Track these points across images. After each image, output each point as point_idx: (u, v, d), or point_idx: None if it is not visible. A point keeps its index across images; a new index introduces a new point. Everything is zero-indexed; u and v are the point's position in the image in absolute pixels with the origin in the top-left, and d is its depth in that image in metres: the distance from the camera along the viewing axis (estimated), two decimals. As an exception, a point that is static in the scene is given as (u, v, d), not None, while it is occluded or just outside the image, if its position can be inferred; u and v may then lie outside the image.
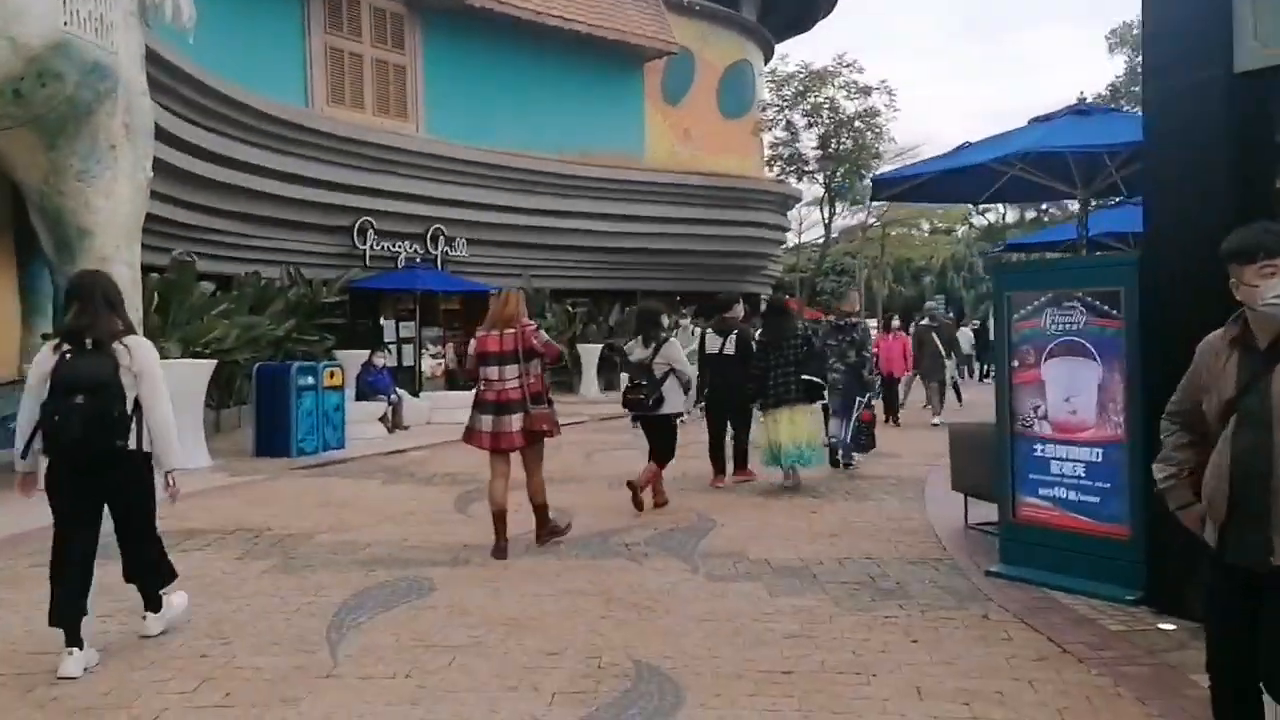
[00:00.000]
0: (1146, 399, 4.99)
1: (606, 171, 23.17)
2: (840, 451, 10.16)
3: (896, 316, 13.40)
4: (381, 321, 18.90)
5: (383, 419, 14.52)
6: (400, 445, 13.12)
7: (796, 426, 8.85)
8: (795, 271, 33.73)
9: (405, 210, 19.59)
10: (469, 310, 22.00)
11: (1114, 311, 5.24)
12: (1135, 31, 12.96)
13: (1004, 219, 50.96)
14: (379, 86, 20.03)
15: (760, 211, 26.00)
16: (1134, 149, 5.78)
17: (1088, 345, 5.38)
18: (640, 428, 8.44)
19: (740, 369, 9.20)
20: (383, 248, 19.21)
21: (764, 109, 22.51)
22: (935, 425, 13.66)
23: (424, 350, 18.15)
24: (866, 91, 21.56)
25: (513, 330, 6.56)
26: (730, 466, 9.56)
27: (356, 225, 18.72)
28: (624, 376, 9.24)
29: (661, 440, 8.26)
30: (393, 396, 14.96)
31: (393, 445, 13.16)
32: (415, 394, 16.63)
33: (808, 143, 22.21)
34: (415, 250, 19.81)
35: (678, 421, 8.43)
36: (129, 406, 4.43)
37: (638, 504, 8.02)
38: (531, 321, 6.89)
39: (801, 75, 21.75)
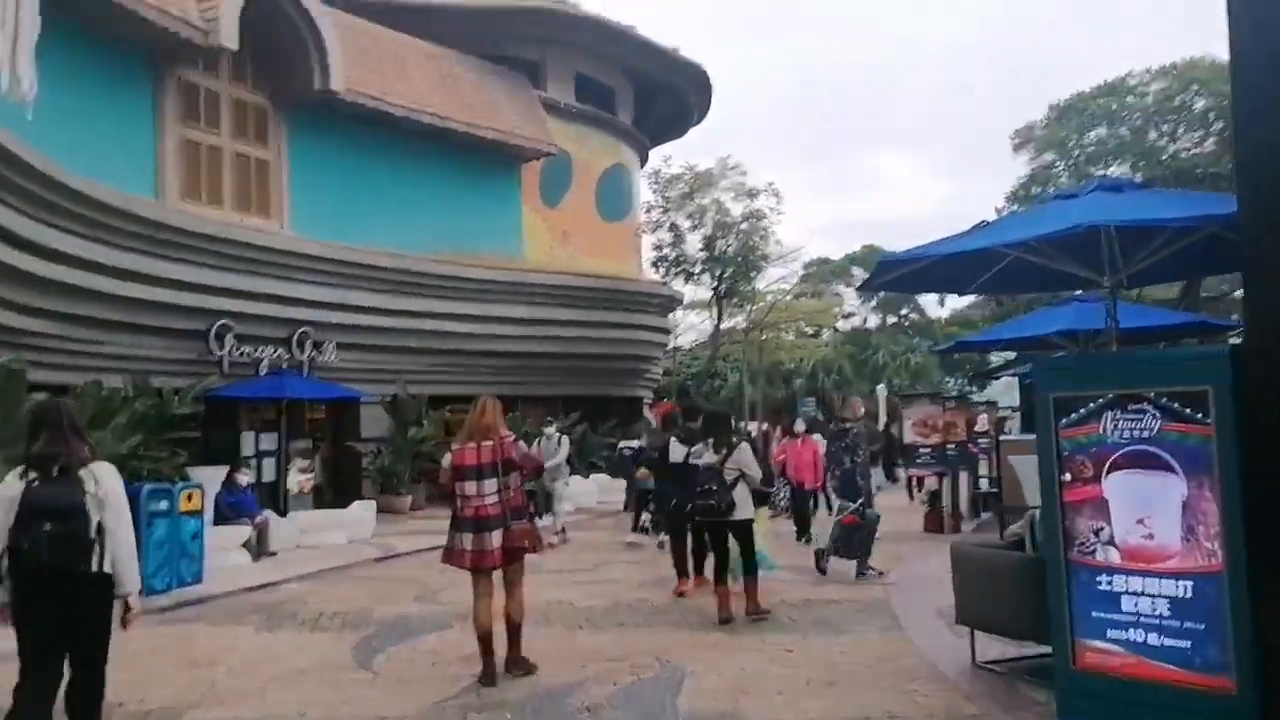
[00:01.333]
0: (1250, 520, 4.16)
1: (484, 272, 22.10)
2: (823, 557, 10.08)
3: (801, 419, 12.33)
4: (241, 434, 17.02)
5: (246, 544, 12.71)
6: (270, 577, 11.35)
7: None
8: (670, 375, 33.16)
9: (268, 312, 17.93)
10: (338, 419, 20.30)
11: (1199, 415, 4.44)
12: (1039, 131, 12.95)
13: (865, 322, 52.33)
14: (239, 182, 18.53)
15: (642, 314, 25.33)
16: (1201, 221, 5.10)
17: (1164, 455, 4.56)
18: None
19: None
20: (243, 353, 17.43)
21: (648, 210, 22.04)
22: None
23: (290, 464, 16.34)
24: (752, 194, 21.39)
25: (491, 442, 6.26)
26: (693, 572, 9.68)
27: (214, 329, 16.91)
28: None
29: (744, 545, 8.08)
30: (259, 519, 13.18)
31: (261, 577, 11.37)
32: (282, 514, 14.81)
33: (693, 244, 21.74)
34: (280, 355, 18.11)
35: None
36: (93, 531, 4.49)
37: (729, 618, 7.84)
38: (510, 433, 6.53)
39: (687, 177, 21.39)
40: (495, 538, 6.18)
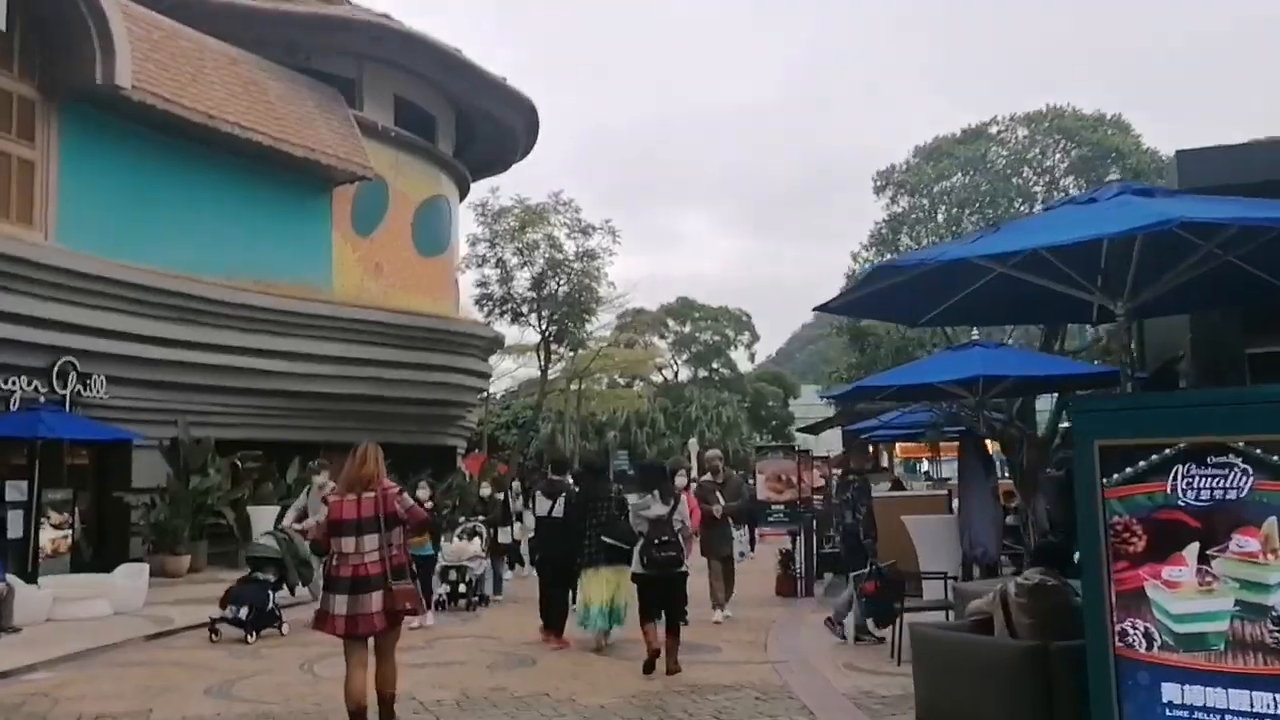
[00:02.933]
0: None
1: (286, 303, 19.87)
2: (842, 627, 9.16)
3: (683, 471, 11.40)
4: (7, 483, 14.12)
5: (-22, 620, 10.16)
6: (10, 663, 8.91)
7: (608, 586, 8.78)
8: (480, 424, 31.38)
9: (23, 337, 15.17)
10: (105, 464, 17.46)
11: (1308, 471, 3.48)
12: (899, 175, 12.47)
13: (677, 375, 52.19)
14: (-6, 182, 15.76)
15: (462, 356, 23.61)
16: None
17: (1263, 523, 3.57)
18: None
19: (567, 531, 9.31)
20: (-13, 383, 14.65)
21: (473, 243, 20.54)
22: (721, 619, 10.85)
23: (43, 519, 13.58)
24: (587, 232, 20.25)
25: (372, 494, 5.80)
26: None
27: (-50, 353, 14.11)
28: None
29: (680, 598, 8.15)
30: (-3, 587, 10.63)
31: (-4, 663, 8.92)
32: (31, 580, 12.15)
33: (521, 283, 20.32)
34: (35, 388, 15.33)
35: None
36: None
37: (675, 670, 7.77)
38: (393, 483, 6.07)
39: (518, 210, 20.01)
40: (375, 600, 5.69)
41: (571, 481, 10.30)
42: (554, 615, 9.53)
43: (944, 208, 12.01)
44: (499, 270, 20.32)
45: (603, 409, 38.65)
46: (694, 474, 23.64)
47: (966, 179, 11.89)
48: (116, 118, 17.41)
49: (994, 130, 12.05)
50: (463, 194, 27.55)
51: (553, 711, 6.71)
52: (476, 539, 12.97)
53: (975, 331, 9.45)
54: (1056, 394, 10.32)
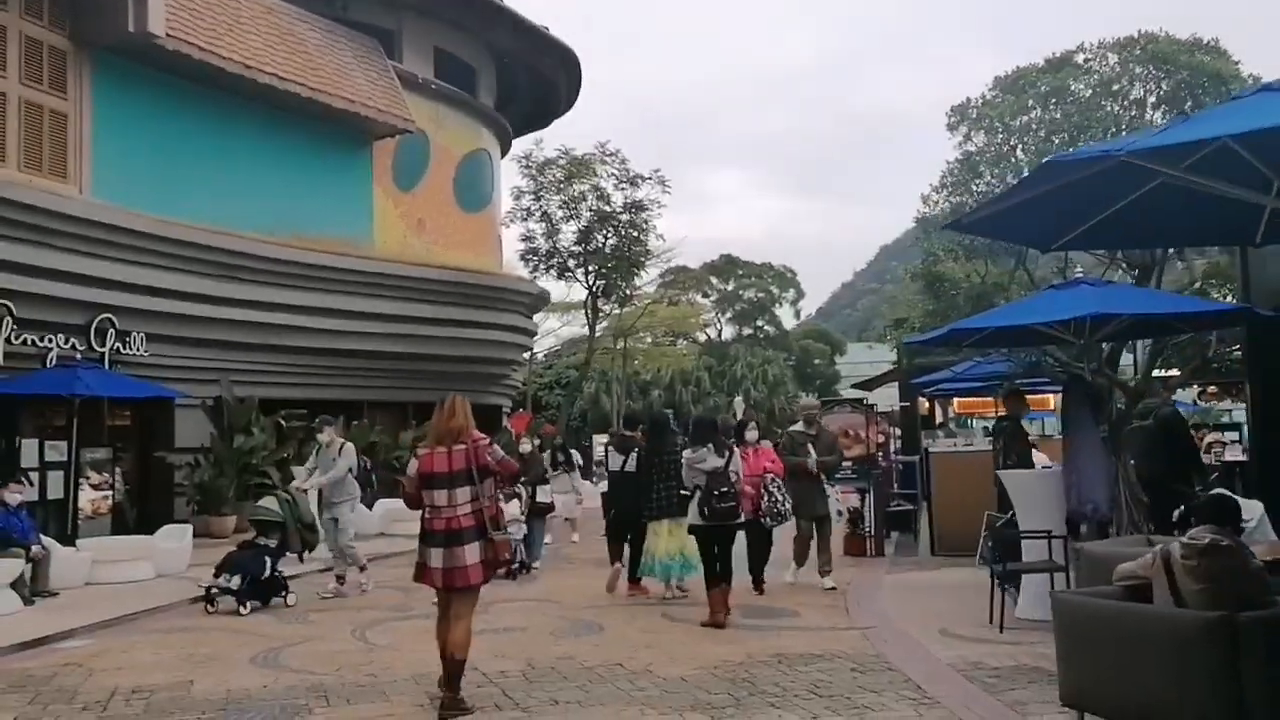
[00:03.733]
0: None
1: (327, 259, 19.32)
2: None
3: (754, 425, 10.28)
4: (19, 441, 13.77)
5: (17, 584, 9.73)
6: (46, 629, 8.45)
7: (674, 539, 8.96)
8: (524, 384, 30.85)
9: (60, 293, 14.75)
10: (147, 424, 17.12)
11: None
12: (976, 108, 11.53)
13: (720, 334, 51.38)
14: (29, 135, 15.27)
15: (506, 313, 23.00)
16: None
17: None
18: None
19: (640, 486, 9.43)
20: (25, 341, 14.24)
21: (517, 196, 19.79)
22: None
23: (82, 480, 13.19)
24: (635, 182, 19.40)
25: (463, 446, 5.72)
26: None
27: (-15, 310, 13.71)
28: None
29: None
30: (34, 548, 10.20)
31: (33, 629, 8.44)
32: (69, 542, 11.75)
33: (567, 237, 19.59)
34: (73, 346, 14.92)
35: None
36: None
37: (720, 624, 7.79)
38: (483, 435, 5.97)
39: (563, 161, 19.21)
40: (472, 551, 5.62)
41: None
42: (635, 566, 9.76)
43: (1024, 143, 11.05)
44: (544, 224, 19.57)
45: (647, 367, 37.94)
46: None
47: (1046, 113, 10.92)
48: (150, 68, 16.86)
49: (1081, 59, 11.05)
50: (504, 149, 26.81)
51: (630, 685, 6.08)
52: (514, 501, 11.48)
53: (1079, 268, 8.65)
54: (1151, 340, 9.44)
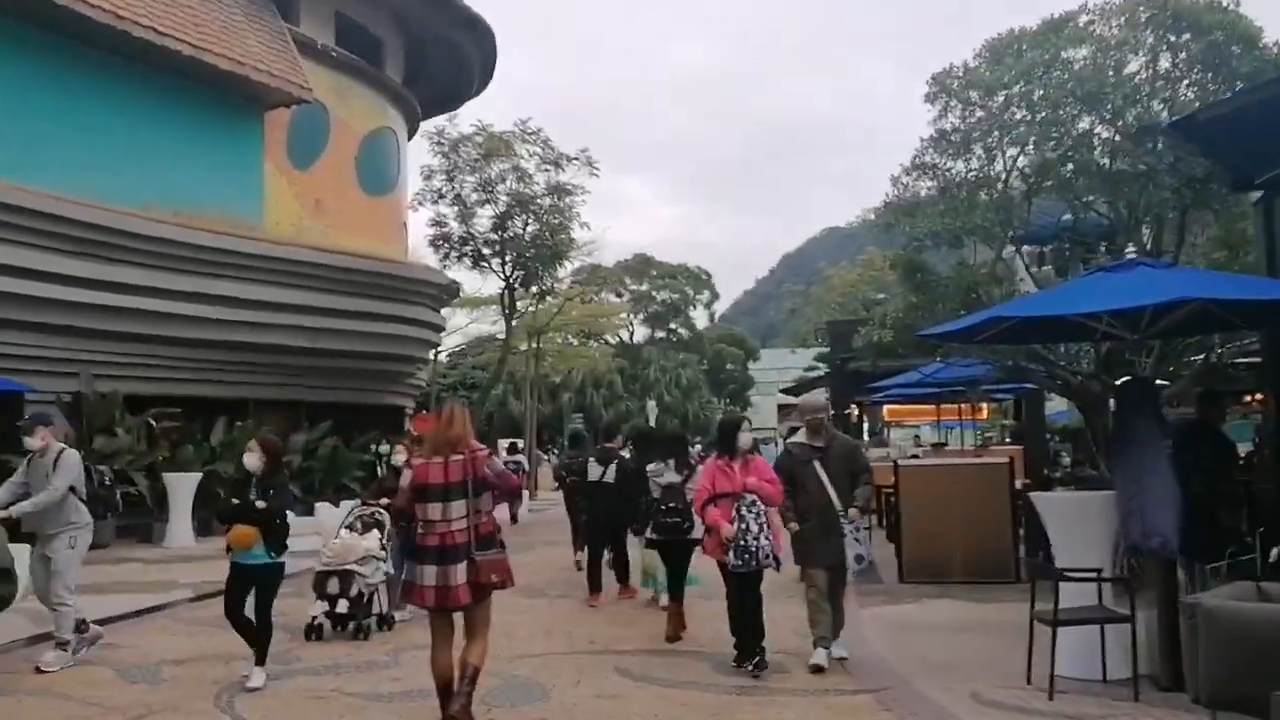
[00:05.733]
0: None
1: (210, 239, 17.18)
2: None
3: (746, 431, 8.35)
4: None
5: None
6: None
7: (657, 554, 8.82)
8: (428, 384, 28.84)
9: (-120, 266, 12.46)
10: (-13, 424, 14.73)
11: None
12: (958, 77, 10.27)
13: (632, 336, 49.98)
14: None
15: (411, 305, 21.06)
16: None
17: None
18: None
19: (619, 495, 9.55)
20: None
21: (428, 176, 17.94)
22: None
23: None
24: (559, 163, 17.69)
25: (460, 457, 5.39)
26: (608, 584, 10.01)
27: None
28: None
29: (684, 564, 8.26)
30: None
31: None
32: None
33: (482, 223, 17.80)
34: (-105, 329, 12.63)
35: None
36: None
37: (677, 636, 7.75)
38: (482, 446, 5.58)
39: (480, 139, 17.42)
40: (461, 571, 5.32)
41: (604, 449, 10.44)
42: (598, 578, 9.84)
43: (1010, 122, 9.88)
44: (457, 208, 17.75)
45: (558, 369, 36.24)
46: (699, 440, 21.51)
47: (1034, 85, 9.77)
48: (4, 17, 14.59)
49: (1083, 20, 9.94)
50: (411, 130, 24.84)
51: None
52: (374, 531, 8.73)
53: (1131, 248, 7.41)
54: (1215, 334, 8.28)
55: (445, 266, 19.07)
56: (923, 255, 10.85)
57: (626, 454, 10.55)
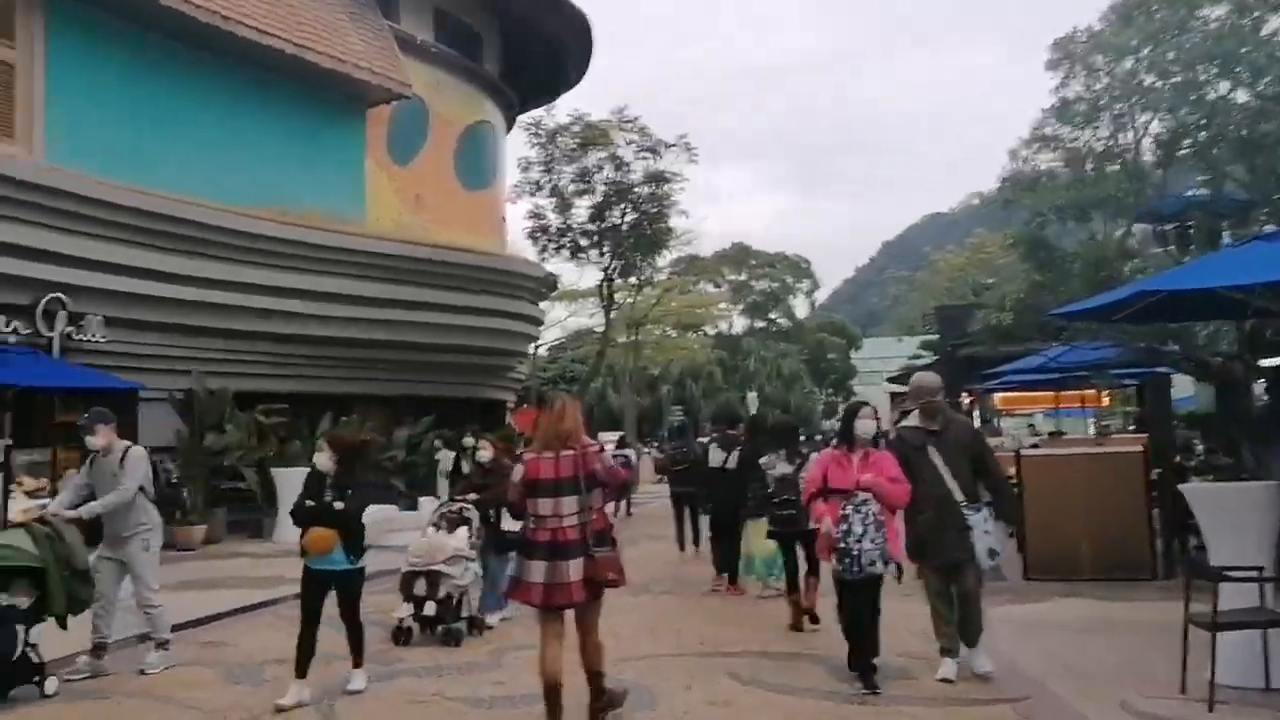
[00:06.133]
0: None
1: (315, 235, 17.38)
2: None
3: (868, 418, 7.69)
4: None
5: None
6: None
7: (764, 540, 8.81)
8: (528, 378, 28.87)
9: (1, 268, 12.83)
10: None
11: None
12: (1080, 43, 9.55)
13: (731, 326, 49.41)
14: (-31, 88, 13.37)
15: (511, 298, 21.04)
16: None
17: None
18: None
19: (739, 483, 9.44)
20: (-43, 323, 12.36)
21: (525, 168, 17.85)
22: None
23: (13, 487, 11.22)
24: (657, 150, 17.35)
25: (571, 452, 5.28)
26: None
27: (-90, 285, 11.80)
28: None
29: (799, 556, 8.00)
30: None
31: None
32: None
33: (579, 213, 17.57)
34: (15, 330, 13.00)
35: None
36: None
37: (799, 626, 7.73)
38: (593, 441, 5.54)
39: (577, 128, 17.22)
40: (574, 568, 5.17)
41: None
42: (727, 561, 9.83)
43: (1140, 88, 9.13)
44: (555, 199, 17.54)
45: (656, 361, 35.92)
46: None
47: (1161, 49, 9.00)
48: (114, 16, 15.04)
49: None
50: (509, 124, 24.86)
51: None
52: (463, 528, 8.26)
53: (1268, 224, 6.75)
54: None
55: (543, 259, 18.94)
56: (1045, 232, 10.15)
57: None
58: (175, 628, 8.59)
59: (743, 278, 47.60)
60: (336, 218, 18.30)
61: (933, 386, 6.57)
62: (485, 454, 8.89)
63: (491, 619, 8.27)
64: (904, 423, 6.77)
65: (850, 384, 48.69)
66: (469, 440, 13.54)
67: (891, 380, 25.48)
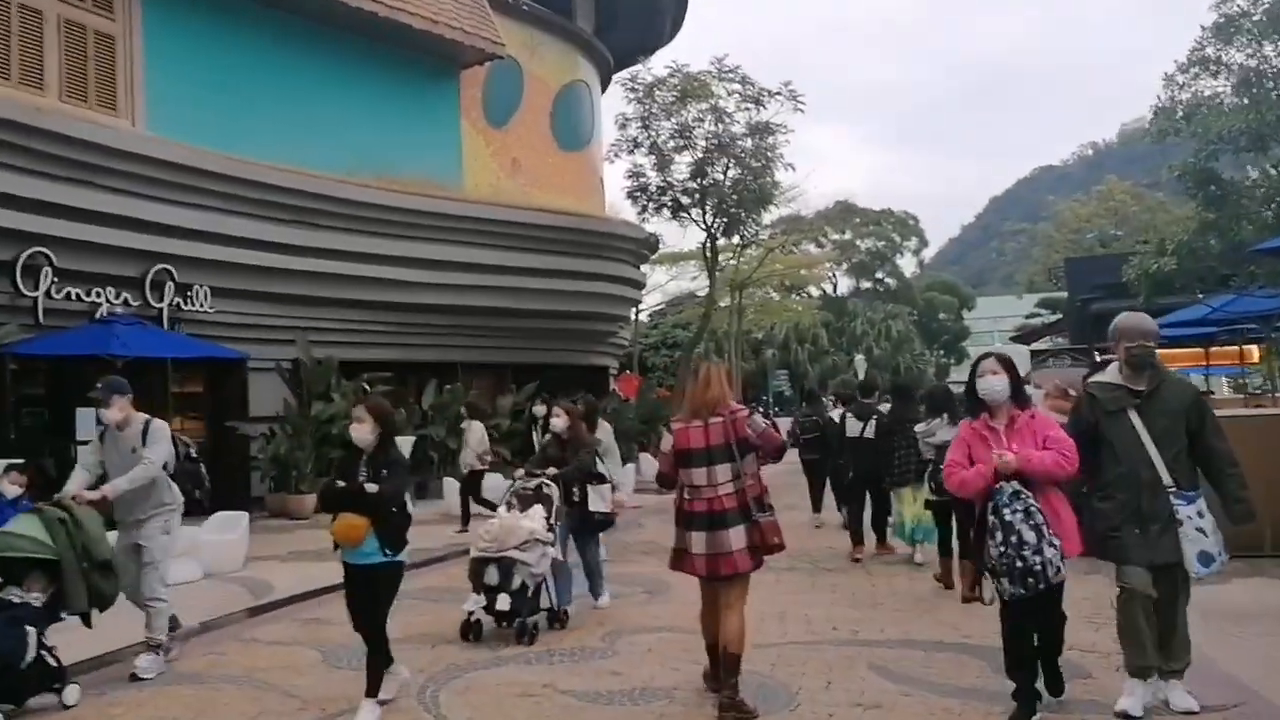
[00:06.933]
0: None
1: (414, 201, 17.12)
2: None
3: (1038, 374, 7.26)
4: (78, 410, 11.73)
5: None
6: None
7: (918, 504, 8.79)
8: (629, 343, 28.39)
9: (108, 240, 12.86)
10: (215, 389, 15.20)
11: None
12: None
13: (835, 288, 48.14)
14: (71, 59, 13.39)
15: (612, 261, 20.53)
16: None
17: None
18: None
19: (877, 451, 9.52)
20: (68, 295, 12.38)
21: (622, 125, 17.18)
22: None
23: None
24: (759, 101, 16.44)
25: (720, 419, 5.12)
26: (872, 539, 9.97)
27: (20, 260, 11.83)
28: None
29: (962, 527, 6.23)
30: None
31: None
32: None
33: (680, 170, 16.84)
34: (125, 301, 13.02)
35: None
36: None
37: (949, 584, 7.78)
38: (741, 406, 5.33)
39: (675, 80, 16.43)
40: (736, 536, 5.00)
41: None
42: (860, 532, 9.85)
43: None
44: (654, 156, 16.84)
45: (760, 325, 35.05)
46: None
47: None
48: (208, -11, 14.82)
49: None
50: (605, 83, 24.22)
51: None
52: (538, 507, 7.11)
53: None
54: None
55: (644, 219, 18.33)
56: (1213, 165, 9.06)
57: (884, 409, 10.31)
58: (279, 603, 8.40)
59: (847, 236, 46.13)
60: (434, 183, 18.00)
61: (1147, 329, 4.92)
62: (559, 422, 7.60)
63: (603, 600, 7.68)
64: (1098, 378, 5.12)
65: (963, 345, 46.92)
66: (539, 409, 13.10)
67: (1015, 340, 24.13)
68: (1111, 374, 4.96)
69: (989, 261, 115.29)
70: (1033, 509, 4.51)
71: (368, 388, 16.23)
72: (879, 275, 47.58)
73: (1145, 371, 4.82)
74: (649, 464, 20.48)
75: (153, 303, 13.43)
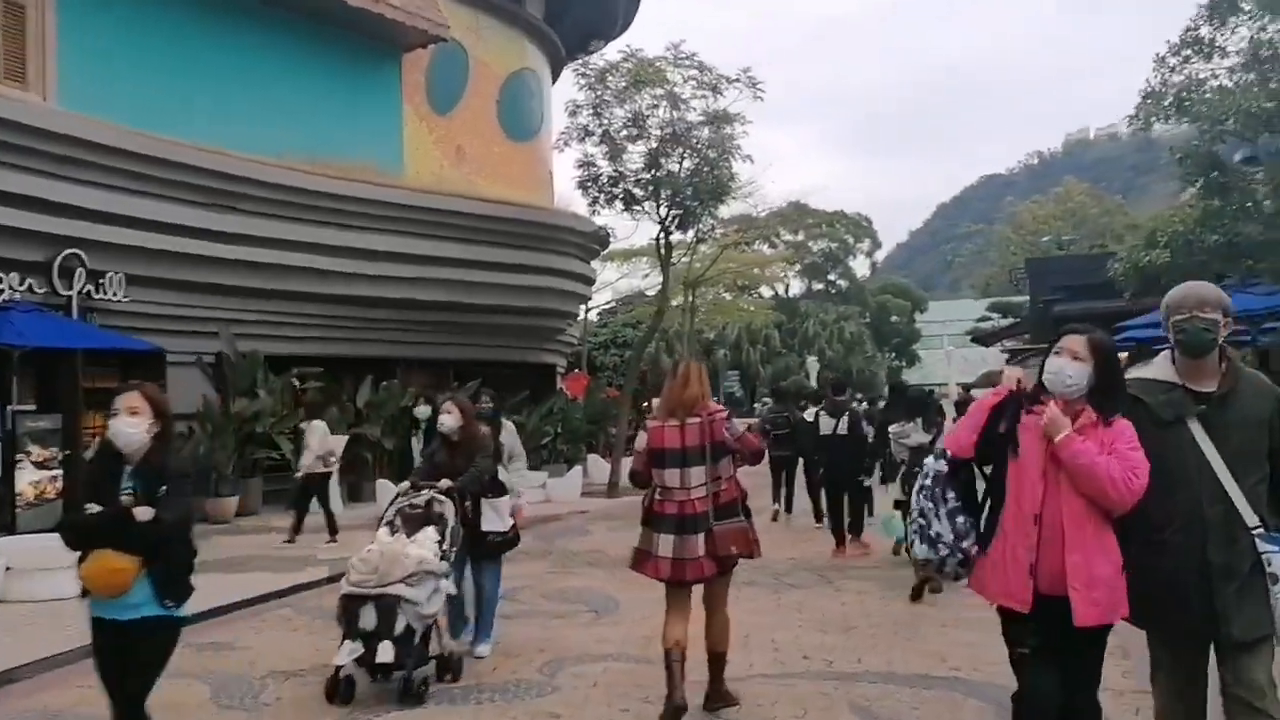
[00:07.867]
0: None
1: (350, 188, 16.19)
2: None
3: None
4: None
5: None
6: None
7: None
8: (579, 342, 27.64)
9: (13, 221, 11.80)
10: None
11: None
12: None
13: (788, 289, 47.79)
14: (-24, 31, 12.28)
15: (561, 255, 19.75)
16: None
17: None
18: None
19: (852, 448, 9.86)
20: (-34, 282, 11.34)
21: (573, 112, 16.44)
22: None
23: (21, 456, 10.14)
24: (717, 89, 15.81)
25: (697, 419, 4.95)
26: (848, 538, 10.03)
27: (-91, 240, 10.77)
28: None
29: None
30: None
31: None
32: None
33: (633, 160, 16.16)
34: (29, 288, 11.95)
35: None
36: None
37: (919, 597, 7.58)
38: (721, 407, 5.21)
39: (628, 65, 15.75)
40: (701, 542, 4.86)
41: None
42: (842, 530, 9.93)
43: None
44: (606, 145, 16.15)
45: (712, 324, 34.49)
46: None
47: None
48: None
49: None
50: (555, 73, 23.45)
51: None
52: (429, 529, 5.75)
53: None
54: None
55: (595, 212, 17.57)
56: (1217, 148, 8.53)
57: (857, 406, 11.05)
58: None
59: (799, 238, 45.71)
60: (373, 170, 17.09)
61: (1205, 296, 3.40)
62: (450, 420, 6.13)
63: (481, 649, 6.17)
64: (1138, 372, 3.63)
65: (914, 348, 46.81)
66: (422, 409, 12.61)
67: (976, 341, 23.78)
68: (1161, 367, 3.47)
69: (937, 266, 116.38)
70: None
71: (297, 383, 15.35)
72: (831, 277, 47.31)
73: (1202, 357, 3.32)
74: (597, 466, 19.79)
75: (61, 290, 12.36)
